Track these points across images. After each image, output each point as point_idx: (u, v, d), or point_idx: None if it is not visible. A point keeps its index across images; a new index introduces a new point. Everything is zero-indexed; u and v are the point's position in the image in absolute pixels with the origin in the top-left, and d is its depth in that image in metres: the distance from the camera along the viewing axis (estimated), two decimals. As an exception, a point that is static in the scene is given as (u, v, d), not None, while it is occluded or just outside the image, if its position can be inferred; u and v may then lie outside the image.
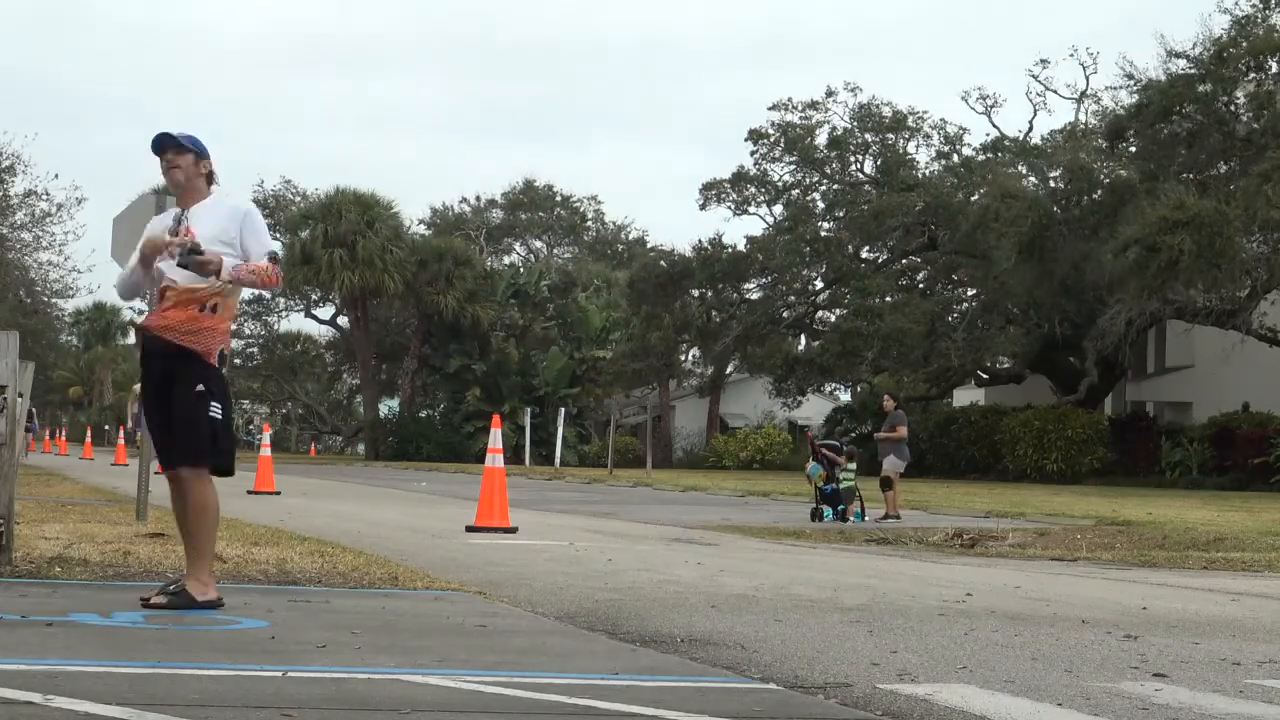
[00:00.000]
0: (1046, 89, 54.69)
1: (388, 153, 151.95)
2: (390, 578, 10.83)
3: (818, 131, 56.15)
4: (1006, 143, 54.89)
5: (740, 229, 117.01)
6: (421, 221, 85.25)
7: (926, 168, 55.59)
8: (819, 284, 56.08)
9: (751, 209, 58.22)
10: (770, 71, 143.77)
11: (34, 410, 49.02)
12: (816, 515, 23.61)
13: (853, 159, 56.49)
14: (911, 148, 56.10)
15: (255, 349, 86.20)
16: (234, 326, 9.00)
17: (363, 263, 69.71)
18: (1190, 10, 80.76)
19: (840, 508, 23.53)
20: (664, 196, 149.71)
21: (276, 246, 9.20)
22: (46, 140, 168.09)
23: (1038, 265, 43.92)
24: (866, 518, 23.65)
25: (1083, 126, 52.80)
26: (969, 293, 53.50)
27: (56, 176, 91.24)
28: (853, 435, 27.19)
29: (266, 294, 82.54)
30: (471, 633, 8.20)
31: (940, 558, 16.63)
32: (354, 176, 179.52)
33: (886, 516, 23.80)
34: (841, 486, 23.73)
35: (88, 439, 63.80)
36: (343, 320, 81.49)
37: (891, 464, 24.71)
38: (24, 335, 14.17)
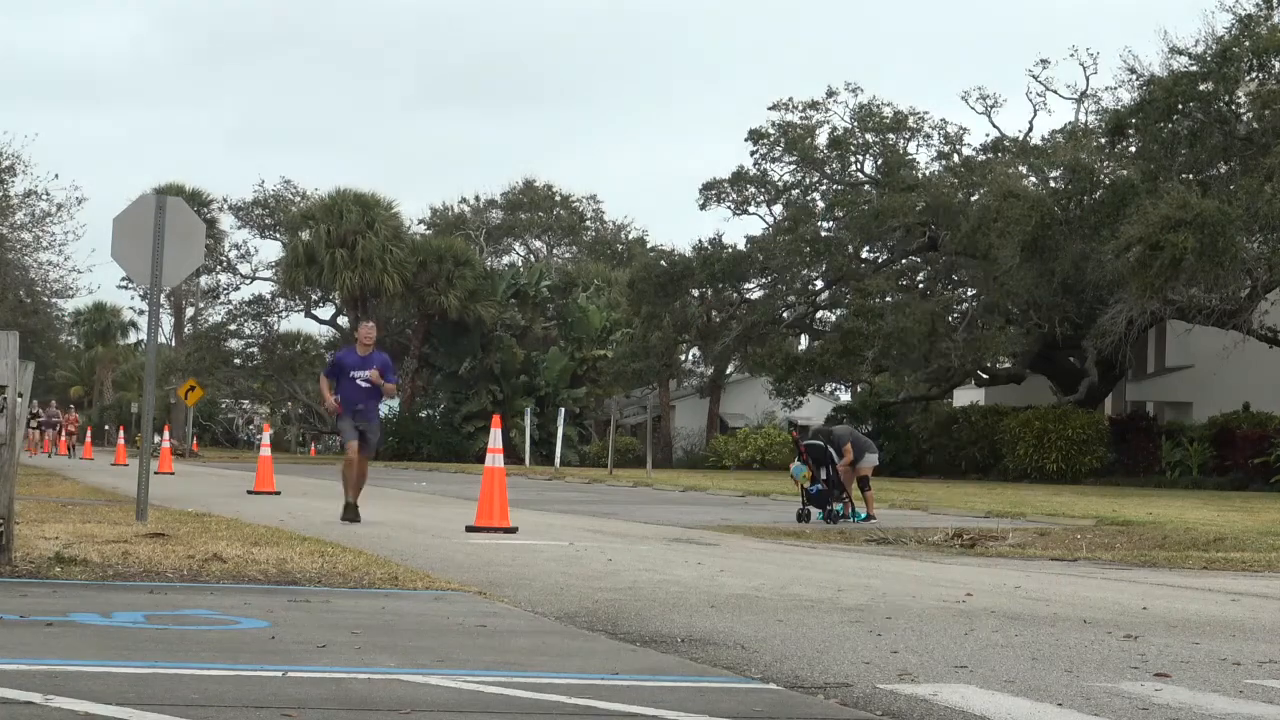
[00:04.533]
0: (1046, 89, 54.67)
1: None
2: (390, 578, 10.83)
3: (818, 131, 56.16)
4: (1006, 143, 54.84)
5: (740, 229, 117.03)
6: (421, 221, 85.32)
7: (927, 168, 55.58)
8: (819, 284, 56.06)
9: (751, 209, 58.21)
10: (771, 71, 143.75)
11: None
12: (803, 516, 23.26)
13: (853, 159, 56.43)
14: (912, 148, 56.10)
15: (255, 349, 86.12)
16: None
17: (363, 263, 69.75)
18: (1191, 8, 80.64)
19: (829, 508, 23.23)
20: (664, 196, 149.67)
21: None
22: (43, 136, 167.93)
23: (1039, 265, 43.89)
24: (856, 517, 23.36)
25: (1083, 126, 52.75)
26: (969, 293, 53.48)
27: (57, 176, 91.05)
28: (841, 419, 26.91)
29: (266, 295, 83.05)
30: (471, 633, 8.20)
31: (940, 558, 16.62)
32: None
33: (868, 517, 23.64)
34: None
35: (88, 439, 63.74)
36: (343, 320, 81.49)
37: (868, 461, 24.47)
38: (24, 335, 14.17)
